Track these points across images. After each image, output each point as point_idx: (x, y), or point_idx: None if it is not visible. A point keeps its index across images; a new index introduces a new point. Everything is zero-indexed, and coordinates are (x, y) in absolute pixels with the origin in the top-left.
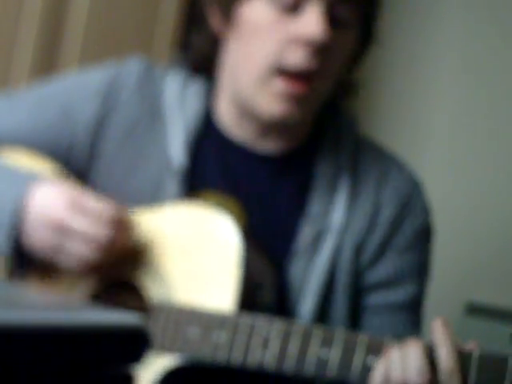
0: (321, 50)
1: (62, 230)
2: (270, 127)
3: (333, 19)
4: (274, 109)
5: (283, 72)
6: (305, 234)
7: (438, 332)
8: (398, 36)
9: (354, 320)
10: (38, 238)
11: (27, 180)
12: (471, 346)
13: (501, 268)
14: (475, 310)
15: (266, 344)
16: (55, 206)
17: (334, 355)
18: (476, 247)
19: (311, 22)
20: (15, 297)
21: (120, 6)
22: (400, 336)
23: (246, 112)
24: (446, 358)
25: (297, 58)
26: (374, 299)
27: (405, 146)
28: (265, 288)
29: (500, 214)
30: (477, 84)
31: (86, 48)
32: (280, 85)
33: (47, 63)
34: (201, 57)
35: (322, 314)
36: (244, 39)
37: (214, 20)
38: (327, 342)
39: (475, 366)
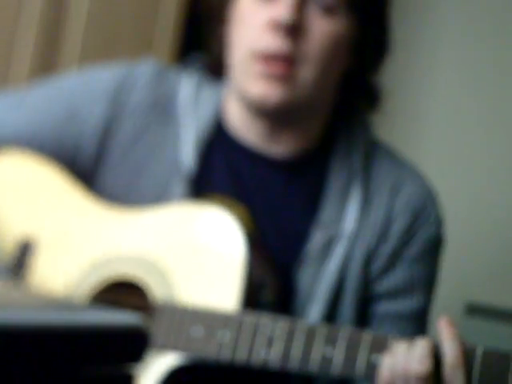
0: (292, 32)
1: None
2: (275, 124)
3: (314, 4)
4: (254, 90)
5: (259, 56)
6: (316, 239)
7: (444, 328)
8: (396, 33)
9: (362, 328)
10: None
11: None
12: None
13: (501, 268)
14: (475, 311)
15: (270, 343)
16: None
17: (338, 353)
18: (476, 247)
19: (281, 6)
20: (15, 297)
21: (120, 5)
22: None
23: (245, 104)
24: (450, 352)
25: (269, 40)
26: (382, 308)
27: (405, 148)
28: (268, 287)
29: (500, 214)
30: (477, 84)
31: (86, 48)
32: (257, 67)
33: (47, 63)
34: (215, 58)
35: (330, 321)
36: (235, 31)
37: (222, 20)
38: (331, 340)
39: (479, 361)
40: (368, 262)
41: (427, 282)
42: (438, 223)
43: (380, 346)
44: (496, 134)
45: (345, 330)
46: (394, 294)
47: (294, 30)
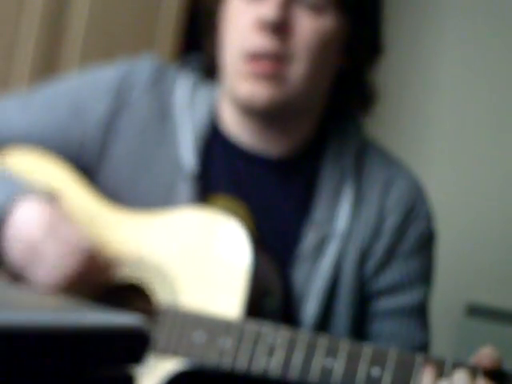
0: (278, 31)
1: (32, 249)
2: (266, 123)
3: (301, 3)
4: (242, 90)
5: (248, 56)
6: (309, 239)
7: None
8: (397, 36)
9: (357, 327)
10: (12, 250)
11: (17, 191)
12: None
13: (501, 269)
14: (476, 312)
15: (271, 352)
16: (32, 225)
17: (339, 365)
18: (477, 248)
19: (267, 5)
20: (16, 298)
21: (121, 6)
22: (411, 339)
23: (236, 104)
24: None
25: (256, 40)
26: (383, 305)
27: (406, 148)
28: (273, 295)
29: (501, 215)
30: (478, 85)
31: (87, 48)
32: (245, 67)
33: (48, 64)
34: (210, 60)
35: (325, 320)
36: (226, 32)
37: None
38: (332, 352)
39: None
40: (363, 260)
41: (424, 275)
42: (429, 218)
43: (380, 359)
44: (498, 136)
45: (346, 342)
46: (392, 290)
47: (281, 28)
